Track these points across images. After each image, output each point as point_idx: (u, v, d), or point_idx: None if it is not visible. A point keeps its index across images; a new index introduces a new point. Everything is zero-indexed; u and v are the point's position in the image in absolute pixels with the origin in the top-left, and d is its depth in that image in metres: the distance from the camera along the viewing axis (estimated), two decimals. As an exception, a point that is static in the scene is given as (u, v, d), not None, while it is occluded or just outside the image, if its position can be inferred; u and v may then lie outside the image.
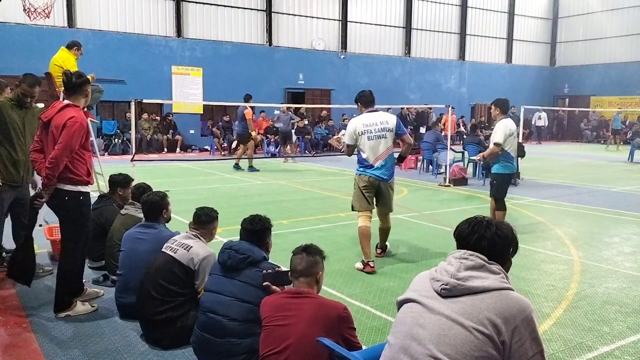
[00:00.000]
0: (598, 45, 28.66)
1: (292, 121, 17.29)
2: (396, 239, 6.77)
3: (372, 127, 5.46)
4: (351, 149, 5.67)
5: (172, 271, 3.61)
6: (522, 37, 29.51)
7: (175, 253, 3.66)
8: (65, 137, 3.87)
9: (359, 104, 5.72)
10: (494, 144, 6.63)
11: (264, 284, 3.09)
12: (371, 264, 5.41)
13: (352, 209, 5.70)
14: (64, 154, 3.87)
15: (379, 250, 5.98)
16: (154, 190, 4.58)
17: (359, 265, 5.49)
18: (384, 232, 5.92)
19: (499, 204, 6.81)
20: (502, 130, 6.59)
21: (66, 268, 4.21)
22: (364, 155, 5.50)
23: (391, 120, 5.56)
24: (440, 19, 26.57)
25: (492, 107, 6.92)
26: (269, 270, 3.14)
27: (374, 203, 5.62)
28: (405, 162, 14.79)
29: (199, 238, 3.79)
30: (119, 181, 5.43)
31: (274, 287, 3.06)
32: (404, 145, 5.72)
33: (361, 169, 5.55)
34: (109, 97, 11.44)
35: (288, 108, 17.38)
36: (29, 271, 4.43)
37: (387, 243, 6.05)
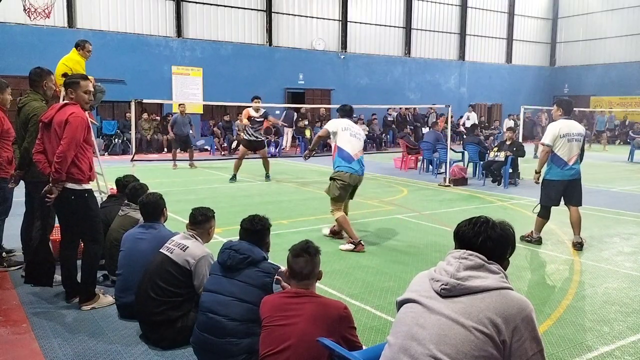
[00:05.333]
0: (598, 45, 28.66)
1: (190, 124, 14.91)
2: (396, 239, 6.78)
3: (351, 126, 6.40)
4: (319, 141, 6.96)
5: (169, 271, 3.61)
6: (522, 37, 29.50)
7: (171, 253, 3.66)
8: (69, 132, 4.04)
9: (340, 114, 6.67)
10: (540, 143, 6.57)
11: (276, 277, 3.14)
12: (362, 242, 6.19)
13: (332, 198, 6.23)
14: (70, 147, 4.03)
15: (328, 231, 6.74)
16: (149, 192, 4.58)
17: (347, 246, 6.17)
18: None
19: (541, 210, 6.56)
20: (550, 130, 6.32)
21: (91, 261, 4.37)
22: (346, 149, 6.19)
23: (362, 130, 6.84)
24: (440, 19, 26.57)
25: (555, 106, 6.55)
26: (281, 270, 3.15)
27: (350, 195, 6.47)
28: (406, 161, 14.84)
29: (196, 238, 3.78)
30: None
31: (284, 283, 3.03)
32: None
33: (344, 165, 6.17)
34: (109, 97, 11.39)
35: (183, 112, 14.74)
36: (49, 271, 4.68)
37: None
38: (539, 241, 6.60)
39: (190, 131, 14.89)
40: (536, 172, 6.54)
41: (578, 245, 6.38)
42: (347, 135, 6.22)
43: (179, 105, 15.00)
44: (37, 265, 4.73)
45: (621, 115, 26.01)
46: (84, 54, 7.06)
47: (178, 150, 14.90)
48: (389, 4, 24.82)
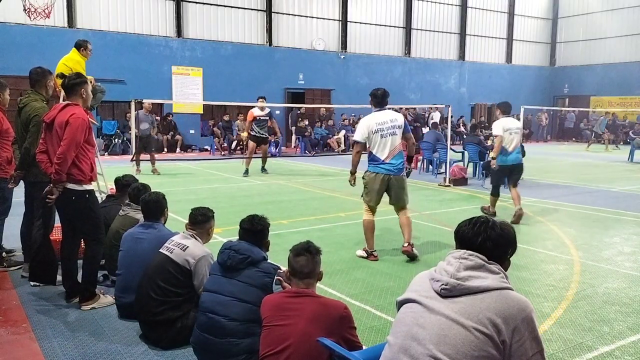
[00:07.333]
0: (598, 45, 28.65)
1: (152, 125, 13.62)
2: (396, 239, 6.77)
3: (384, 125, 5.75)
4: (361, 147, 5.82)
5: (169, 271, 3.61)
6: (522, 37, 29.51)
7: (171, 253, 3.66)
8: (70, 133, 4.02)
9: (370, 101, 5.98)
10: (494, 135, 7.99)
11: (277, 277, 3.15)
12: (375, 253, 5.86)
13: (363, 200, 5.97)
14: (71, 149, 4.02)
15: (406, 244, 5.82)
16: (152, 191, 4.58)
17: (362, 252, 5.92)
18: (405, 224, 5.86)
19: (493, 189, 8.09)
20: (498, 125, 7.91)
21: (92, 260, 4.37)
22: (375, 153, 5.73)
23: (400, 118, 5.89)
24: (440, 19, 26.57)
25: (497, 107, 8.27)
26: (281, 271, 3.18)
27: (389, 199, 5.93)
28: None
29: (196, 238, 3.78)
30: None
31: (285, 283, 3.04)
32: (409, 143, 6.00)
33: (371, 166, 5.79)
34: (109, 97, 11.40)
35: (151, 111, 13.54)
36: (52, 269, 4.69)
37: (411, 241, 5.88)
38: (494, 215, 7.85)
39: (151, 132, 13.39)
40: (493, 159, 7.86)
41: (518, 214, 7.66)
42: (378, 137, 5.70)
43: (143, 102, 13.35)
44: (40, 264, 4.75)
45: (621, 115, 26.00)
46: (86, 54, 7.04)
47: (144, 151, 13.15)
48: (389, 4, 24.82)
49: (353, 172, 5.96)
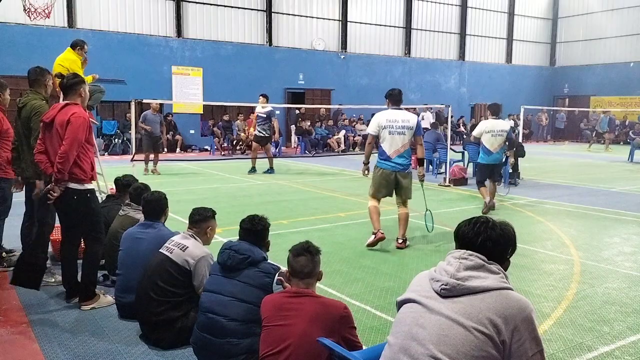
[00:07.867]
0: (598, 45, 28.64)
1: (161, 124, 13.64)
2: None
3: (394, 123, 6.09)
4: (372, 139, 6.25)
5: (169, 271, 3.61)
6: (522, 37, 29.49)
7: (171, 253, 3.66)
8: (71, 132, 4.03)
9: (387, 100, 6.31)
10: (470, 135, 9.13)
11: (278, 277, 3.15)
12: (381, 231, 6.13)
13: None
14: (73, 147, 4.03)
15: (399, 241, 6.30)
16: (153, 190, 4.58)
17: (370, 240, 6.18)
18: (403, 219, 6.27)
19: (477, 184, 8.74)
20: (479, 127, 8.49)
21: (92, 260, 4.37)
22: (384, 148, 6.11)
23: (412, 119, 6.17)
24: (440, 19, 26.56)
25: (487, 108, 8.82)
26: (282, 271, 3.17)
27: (393, 193, 6.27)
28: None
29: (195, 238, 3.78)
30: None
31: (286, 283, 3.04)
32: (417, 145, 6.32)
33: (380, 161, 6.19)
34: (109, 97, 11.42)
35: (158, 110, 13.49)
36: (38, 273, 4.41)
37: (406, 236, 6.36)
38: (493, 207, 8.36)
39: (160, 133, 13.39)
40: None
41: (490, 206, 8.24)
42: (387, 133, 6.09)
43: (151, 103, 13.53)
44: (26, 266, 4.40)
45: (621, 115, 26.01)
46: (81, 54, 7.02)
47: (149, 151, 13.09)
48: (389, 4, 24.82)
49: (365, 163, 6.47)
